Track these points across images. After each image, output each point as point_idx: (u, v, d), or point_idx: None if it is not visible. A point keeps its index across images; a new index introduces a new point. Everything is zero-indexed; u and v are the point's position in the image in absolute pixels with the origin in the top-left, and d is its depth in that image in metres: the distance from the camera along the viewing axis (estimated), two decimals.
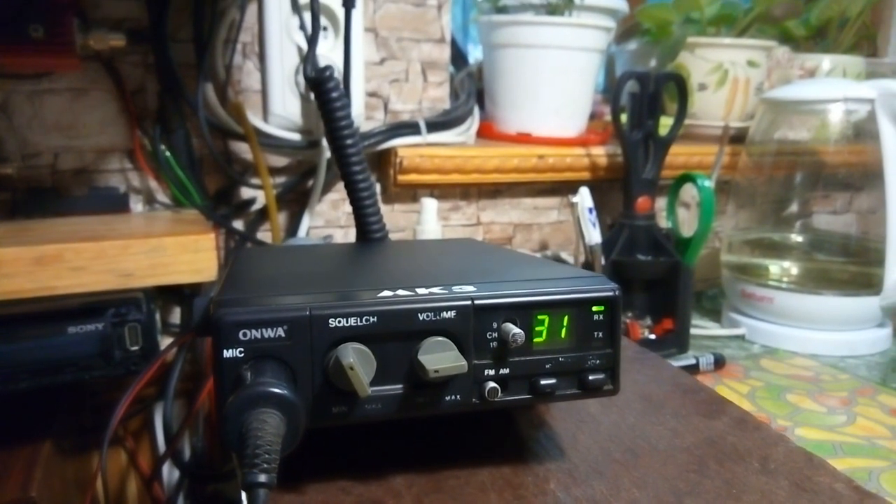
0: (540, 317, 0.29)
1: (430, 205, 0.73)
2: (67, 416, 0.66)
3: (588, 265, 0.76)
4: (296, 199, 0.77)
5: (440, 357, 0.27)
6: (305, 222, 0.75)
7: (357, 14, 0.66)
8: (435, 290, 0.28)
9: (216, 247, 0.56)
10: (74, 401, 0.69)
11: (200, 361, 0.72)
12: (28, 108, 0.65)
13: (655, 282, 0.81)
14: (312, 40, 0.49)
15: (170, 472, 0.73)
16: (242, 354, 0.25)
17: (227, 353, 0.25)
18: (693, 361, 0.73)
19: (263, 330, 0.25)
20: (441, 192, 0.83)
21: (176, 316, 0.73)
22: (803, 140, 0.91)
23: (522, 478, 0.30)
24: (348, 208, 0.79)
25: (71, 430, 0.67)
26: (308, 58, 0.48)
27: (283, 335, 0.26)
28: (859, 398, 0.68)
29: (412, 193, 0.82)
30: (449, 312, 0.27)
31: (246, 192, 0.74)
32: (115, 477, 0.74)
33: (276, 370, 0.25)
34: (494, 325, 0.28)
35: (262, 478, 0.21)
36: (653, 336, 0.80)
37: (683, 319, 0.79)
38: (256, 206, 0.75)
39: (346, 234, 0.80)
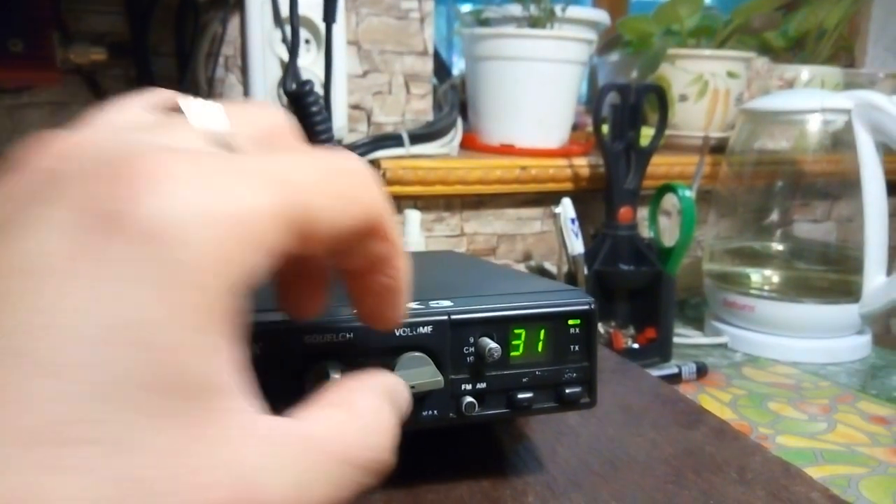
0: (517, 331, 0.29)
1: (413, 217, 0.73)
2: None
3: (571, 275, 0.77)
4: None
5: (417, 372, 0.27)
6: None
7: (339, 27, 0.67)
8: (412, 304, 0.28)
9: None
10: None
11: None
12: (7, 123, 0.65)
13: (638, 291, 0.82)
14: (292, 54, 0.49)
15: None
16: None
17: None
18: (676, 370, 0.74)
19: None
20: (424, 203, 0.83)
21: None
22: (783, 150, 0.92)
23: (501, 491, 0.31)
24: None
25: None
26: (288, 71, 0.48)
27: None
28: (839, 405, 0.69)
29: (395, 205, 0.82)
30: (425, 328, 0.27)
31: None
32: None
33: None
34: (471, 339, 0.28)
35: None
36: (636, 345, 0.80)
37: (666, 328, 0.80)
38: None
39: None
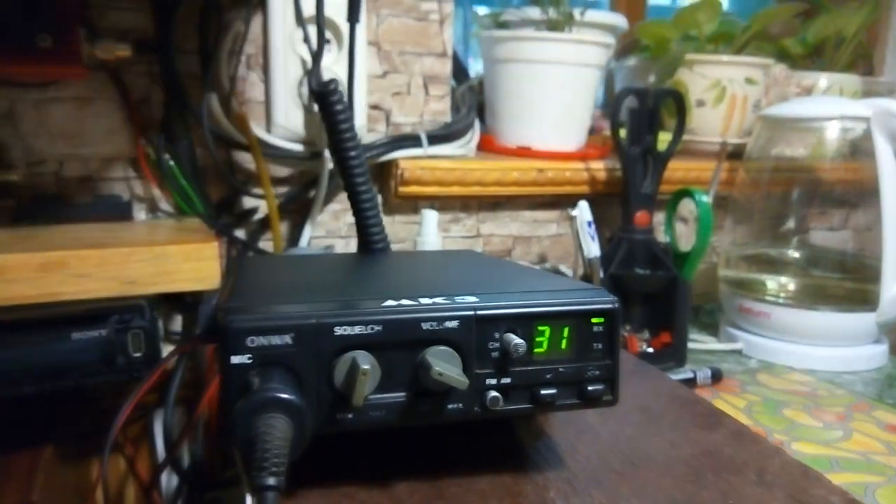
0: (541, 328, 0.29)
1: (430, 216, 0.73)
2: (68, 422, 0.66)
3: (586, 278, 0.77)
4: (297, 210, 0.77)
5: (445, 365, 0.27)
6: (307, 232, 0.75)
7: (360, 28, 0.67)
8: (438, 300, 0.29)
9: (219, 255, 0.56)
10: (75, 407, 0.69)
11: (201, 369, 0.72)
12: (34, 116, 0.66)
13: (653, 296, 0.82)
14: (317, 54, 0.50)
15: (168, 479, 0.74)
16: (250, 361, 0.25)
17: (235, 360, 0.25)
18: (690, 375, 0.74)
19: (270, 337, 0.26)
20: (441, 203, 0.84)
21: (177, 324, 0.74)
22: (800, 157, 0.92)
23: (522, 486, 0.31)
24: (349, 219, 0.80)
25: (71, 436, 0.67)
26: (313, 71, 0.49)
27: (289, 342, 0.26)
28: (855, 414, 0.68)
29: (413, 205, 0.82)
30: (452, 322, 0.28)
31: (248, 202, 0.75)
32: (114, 484, 0.74)
33: (283, 376, 0.25)
34: (496, 335, 0.29)
35: (272, 481, 0.21)
36: (650, 350, 0.80)
37: (681, 333, 0.80)
38: (258, 216, 0.75)
39: (347, 245, 0.80)
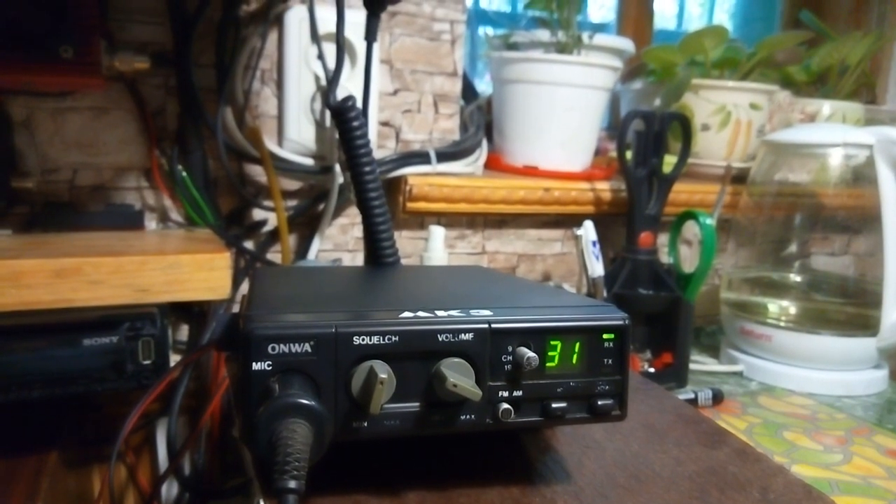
0: (553, 342, 0.30)
1: (437, 232, 0.74)
2: (72, 428, 0.66)
3: (590, 297, 0.78)
4: (306, 223, 0.78)
5: (459, 376, 0.28)
6: (315, 245, 0.76)
7: (374, 46, 0.68)
8: (453, 312, 0.29)
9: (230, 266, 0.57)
10: (79, 413, 0.69)
11: (205, 378, 0.73)
12: (50, 125, 0.67)
13: (656, 316, 0.82)
14: (336, 71, 0.51)
15: (167, 489, 0.74)
16: (270, 367, 0.26)
17: (256, 366, 0.26)
18: (692, 396, 0.74)
19: (291, 345, 0.26)
20: (448, 220, 0.84)
21: (183, 333, 0.74)
22: (803, 182, 0.93)
23: (530, 498, 0.31)
24: (357, 233, 0.81)
25: (75, 443, 0.67)
26: (330, 87, 0.50)
27: (309, 350, 0.27)
28: (855, 438, 0.69)
29: (420, 221, 0.83)
30: (467, 335, 0.29)
31: (258, 214, 0.76)
32: (115, 492, 0.74)
33: (302, 383, 0.26)
34: (509, 348, 0.29)
35: (293, 484, 0.22)
36: (652, 369, 0.81)
37: (683, 354, 0.80)
38: (267, 228, 0.76)
39: (354, 258, 0.81)
